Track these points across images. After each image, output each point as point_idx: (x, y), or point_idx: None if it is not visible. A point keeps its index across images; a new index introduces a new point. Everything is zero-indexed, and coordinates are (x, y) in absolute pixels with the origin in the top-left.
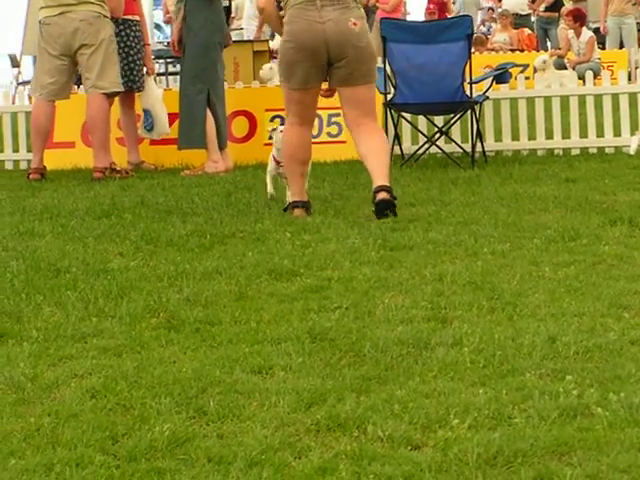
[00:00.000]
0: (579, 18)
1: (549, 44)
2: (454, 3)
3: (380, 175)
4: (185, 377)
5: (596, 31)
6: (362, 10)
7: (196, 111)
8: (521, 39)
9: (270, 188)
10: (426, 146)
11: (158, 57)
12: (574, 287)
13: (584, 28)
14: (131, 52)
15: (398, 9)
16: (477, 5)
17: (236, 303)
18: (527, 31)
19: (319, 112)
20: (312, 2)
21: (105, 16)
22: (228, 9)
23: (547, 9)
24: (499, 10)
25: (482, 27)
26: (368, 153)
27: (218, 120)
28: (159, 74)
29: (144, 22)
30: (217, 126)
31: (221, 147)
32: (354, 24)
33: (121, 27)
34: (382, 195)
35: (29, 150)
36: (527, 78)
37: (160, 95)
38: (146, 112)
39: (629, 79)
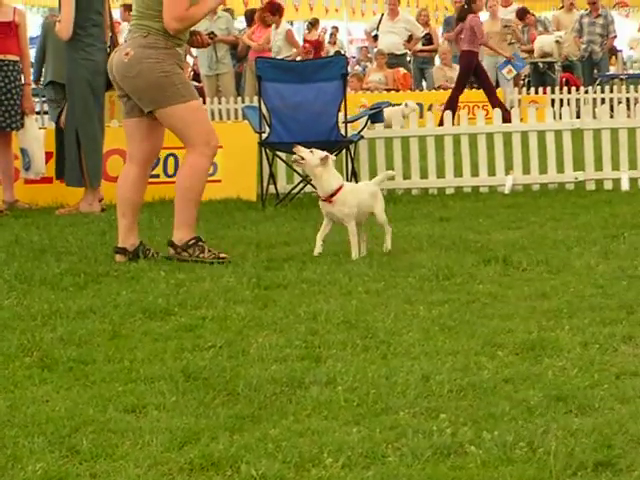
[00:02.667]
0: None
1: (424, 84)
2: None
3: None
4: (58, 416)
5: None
6: (150, 38)
7: (70, 149)
8: (396, 78)
9: None
10: (301, 185)
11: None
12: (448, 325)
13: None
14: (2, 91)
15: (266, 50)
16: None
17: (110, 342)
18: (402, 70)
19: None
20: (128, 30)
21: None
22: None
23: (423, 49)
24: (374, 50)
25: (357, 67)
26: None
27: (89, 159)
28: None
29: (26, 61)
30: (89, 165)
31: (94, 186)
32: (126, 54)
33: None
34: (169, 251)
35: None
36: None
37: (39, 134)
38: (23, 151)
39: (503, 119)
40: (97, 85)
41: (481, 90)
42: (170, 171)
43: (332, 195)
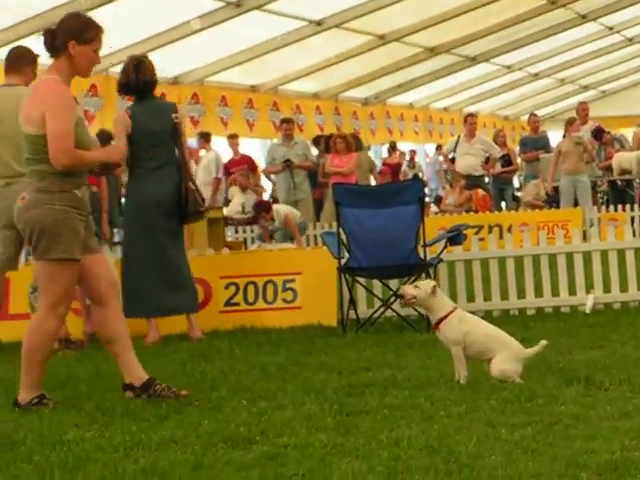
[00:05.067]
0: None
1: (504, 204)
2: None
3: None
4: None
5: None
6: (44, 182)
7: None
8: (475, 200)
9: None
10: (382, 310)
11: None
12: (531, 448)
13: None
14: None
15: (354, 172)
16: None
17: (192, 472)
18: (481, 192)
19: (273, 278)
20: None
21: None
22: None
23: (502, 169)
24: (452, 172)
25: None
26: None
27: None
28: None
29: (103, 193)
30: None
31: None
32: (22, 199)
33: None
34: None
35: None
36: (481, 239)
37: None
38: None
39: (584, 237)
40: None
41: (560, 209)
42: (250, 299)
43: (439, 322)
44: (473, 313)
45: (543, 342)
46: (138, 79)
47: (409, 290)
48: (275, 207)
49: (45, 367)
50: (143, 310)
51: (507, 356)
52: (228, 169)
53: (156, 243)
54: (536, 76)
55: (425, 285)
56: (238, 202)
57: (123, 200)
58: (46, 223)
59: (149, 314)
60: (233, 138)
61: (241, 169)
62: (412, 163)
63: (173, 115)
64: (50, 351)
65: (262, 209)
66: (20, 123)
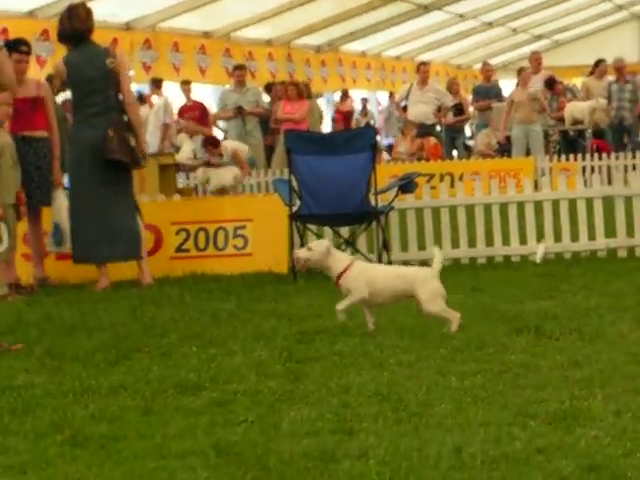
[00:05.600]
0: None
1: (455, 153)
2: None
3: None
4: None
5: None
6: None
7: None
8: (427, 148)
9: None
10: None
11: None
12: (480, 396)
13: None
14: (28, 168)
15: (305, 119)
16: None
17: (142, 418)
18: (433, 140)
19: (224, 225)
20: None
21: None
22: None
23: (455, 118)
24: (403, 120)
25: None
26: None
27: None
28: None
29: (53, 135)
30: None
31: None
32: None
33: (19, 143)
34: None
35: None
36: (433, 188)
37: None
38: (56, 226)
39: (535, 187)
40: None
41: (512, 158)
42: (201, 245)
43: (340, 277)
44: (424, 262)
45: (436, 250)
46: (72, 26)
47: (302, 254)
48: (223, 143)
49: None
50: (87, 257)
51: (426, 293)
52: (181, 115)
53: (93, 191)
54: (489, 25)
55: (318, 246)
56: (188, 149)
57: None
58: None
59: (91, 261)
60: (186, 84)
61: (193, 115)
62: (364, 111)
63: (108, 60)
64: None
65: (209, 143)
66: None
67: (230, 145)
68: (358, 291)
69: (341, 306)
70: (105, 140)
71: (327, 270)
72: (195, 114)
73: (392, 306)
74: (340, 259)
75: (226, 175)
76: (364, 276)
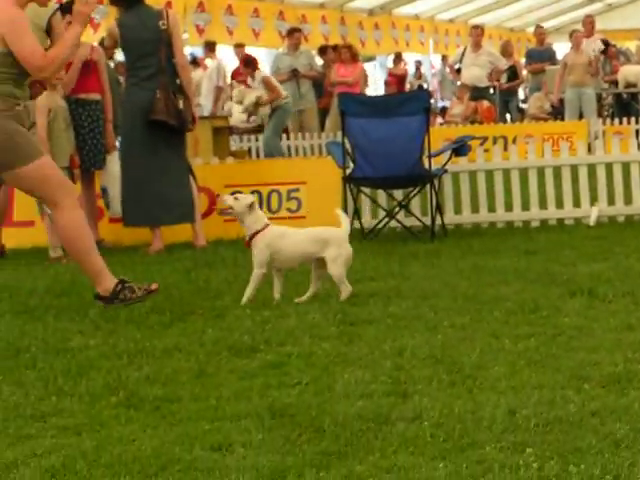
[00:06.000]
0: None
1: (508, 116)
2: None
3: None
4: (144, 455)
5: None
6: None
7: None
8: (480, 111)
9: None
10: (386, 220)
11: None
12: (534, 359)
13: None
14: (82, 131)
15: (359, 82)
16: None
17: (196, 380)
18: (486, 103)
19: (278, 187)
20: None
21: None
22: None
23: (508, 81)
24: (458, 83)
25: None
26: None
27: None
28: None
29: (106, 98)
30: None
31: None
32: None
33: (72, 106)
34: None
35: None
36: (486, 150)
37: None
38: (104, 191)
39: (588, 150)
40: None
41: (565, 122)
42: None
43: (250, 238)
44: (477, 225)
45: (340, 212)
46: None
47: (229, 200)
48: (255, 71)
49: (98, 255)
50: (140, 220)
51: (334, 254)
52: (234, 78)
53: (146, 154)
54: None
55: (245, 199)
56: (239, 112)
57: None
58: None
59: (145, 224)
60: (239, 47)
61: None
62: (418, 73)
63: (160, 22)
64: (92, 237)
65: (245, 64)
66: None
67: (261, 74)
68: (258, 259)
69: (248, 293)
70: (153, 101)
71: (243, 226)
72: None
73: (449, 271)
74: (257, 220)
75: (251, 94)
76: (272, 242)
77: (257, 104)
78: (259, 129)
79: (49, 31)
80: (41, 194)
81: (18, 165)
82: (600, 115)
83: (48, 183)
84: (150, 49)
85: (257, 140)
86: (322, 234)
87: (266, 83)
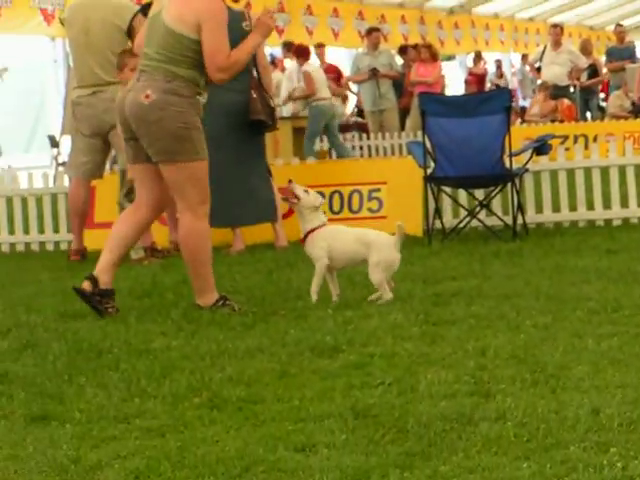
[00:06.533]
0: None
1: (589, 114)
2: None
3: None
4: (228, 456)
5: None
6: (174, 84)
7: None
8: (561, 110)
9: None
10: (467, 219)
11: None
12: (617, 358)
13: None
14: None
15: (439, 82)
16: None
17: (279, 381)
18: (566, 102)
19: (359, 188)
20: (140, 70)
21: None
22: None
23: (588, 79)
24: (538, 82)
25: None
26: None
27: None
28: None
29: None
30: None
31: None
32: (146, 96)
33: None
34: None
35: (70, 231)
36: (567, 149)
37: None
38: None
39: None
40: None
41: None
42: (336, 208)
43: (306, 235)
44: (559, 224)
45: (400, 225)
46: None
47: (299, 191)
48: (303, 66)
49: (212, 269)
50: (222, 220)
51: (377, 259)
52: None
53: (229, 154)
54: None
55: (315, 197)
56: None
57: None
58: (178, 126)
59: (227, 224)
60: (320, 47)
61: (328, 78)
62: (499, 72)
63: (244, 24)
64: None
65: (297, 53)
66: (168, 20)
67: (307, 68)
68: (318, 259)
69: (313, 288)
70: (250, 101)
71: (301, 221)
72: (329, 77)
73: (531, 270)
74: (316, 218)
75: (288, 85)
76: (325, 242)
77: (289, 97)
78: (340, 130)
79: (130, 33)
80: (183, 194)
81: (184, 158)
82: None
83: (197, 186)
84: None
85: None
86: (366, 236)
87: (305, 77)
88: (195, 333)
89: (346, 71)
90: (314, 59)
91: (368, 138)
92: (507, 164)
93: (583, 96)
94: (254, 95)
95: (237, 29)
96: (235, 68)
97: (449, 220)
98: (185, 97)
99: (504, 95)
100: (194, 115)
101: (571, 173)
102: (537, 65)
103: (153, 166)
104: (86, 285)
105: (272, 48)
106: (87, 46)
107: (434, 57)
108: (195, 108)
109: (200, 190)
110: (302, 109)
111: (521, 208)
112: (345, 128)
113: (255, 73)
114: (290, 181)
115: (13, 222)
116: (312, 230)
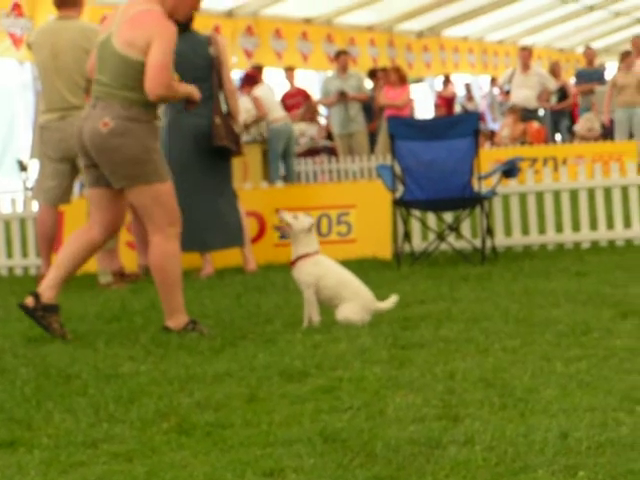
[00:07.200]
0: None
1: (558, 137)
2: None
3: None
4: None
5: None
6: (132, 110)
7: None
8: (529, 132)
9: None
10: (436, 243)
11: None
12: (586, 382)
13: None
14: None
15: (408, 105)
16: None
17: (247, 405)
18: (535, 124)
19: (328, 211)
20: (94, 97)
21: None
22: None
23: (558, 102)
24: (507, 104)
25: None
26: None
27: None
28: None
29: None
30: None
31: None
32: (104, 124)
33: None
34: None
35: (39, 255)
36: (536, 172)
37: None
38: None
39: (639, 170)
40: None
41: (615, 142)
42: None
43: (296, 260)
44: (528, 247)
45: (394, 299)
46: None
47: (288, 218)
48: (252, 90)
49: (182, 291)
50: (190, 245)
51: (356, 305)
52: (283, 101)
53: (197, 179)
54: (590, 9)
55: (303, 220)
56: None
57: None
58: (138, 151)
59: (195, 249)
60: (290, 70)
61: (296, 102)
62: (469, 95)
63: (211, 48)
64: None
65: (246, 82)
66: (119, 46)
67: (256, 93)
68: (305, 280)
69: (312, 313)
70: (212, 127)
71: (294, 246)
72: (298, 100)
73: (500, 293)
74: (309, 243)
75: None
76: (316, 269)
77: (245, 127)
78: (309, 153)
79: None
80: (151, 216)
81: (146, 181)
82: None
83: (164, 208)
84: (201, 75)
85: (306, 164)
86: (355, 284)
87: (254, 102)
88: (164, 357)
89: (316, 94)
90: (281, 82)
91: (337, 161)
92: (476, 187)
93: (553, 118)
94: (217, 121)
95: (203, 55)
96: (173, 93)
97: (418, 243)
98: (143, 122)
99: (472, 118)
100: (153, 140)
101: (540, 196)
102: (506, 88)
103: (112, 190)
104: (29, 301)
105: (242, 71)
106: (56, 70)
107: (402, 80)
108: (154, 132)
109: (167, 212)
110: (264, 132)
111: (490, 231)
112: (314, 151)
113: (222, 98)
114: (277, 210)
115: None
116: (305, 255)
